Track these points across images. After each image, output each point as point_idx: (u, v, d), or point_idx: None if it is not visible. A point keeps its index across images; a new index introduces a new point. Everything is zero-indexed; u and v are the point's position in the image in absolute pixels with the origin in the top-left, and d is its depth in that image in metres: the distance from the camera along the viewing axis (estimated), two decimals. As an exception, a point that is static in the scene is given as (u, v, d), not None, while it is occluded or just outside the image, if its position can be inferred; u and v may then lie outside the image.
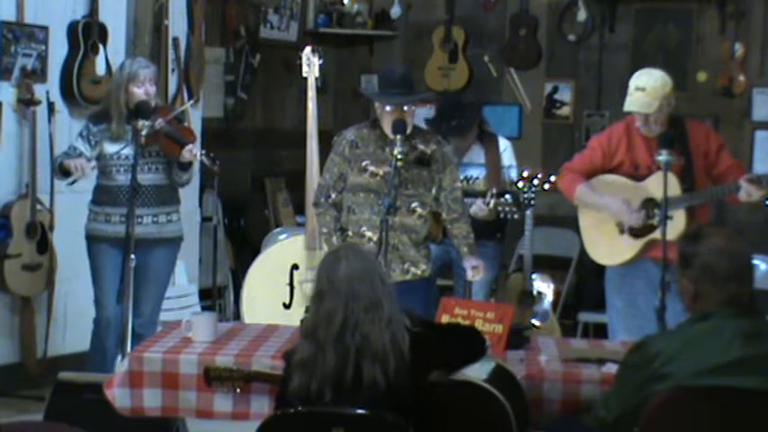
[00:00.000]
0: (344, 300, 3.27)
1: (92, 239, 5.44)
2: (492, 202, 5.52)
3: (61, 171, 5.29)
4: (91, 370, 5.28)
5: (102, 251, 5.39)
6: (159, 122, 5.23)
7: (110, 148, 5.33)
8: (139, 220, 5.25)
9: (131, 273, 4.95)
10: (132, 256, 4.94)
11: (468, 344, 3.57)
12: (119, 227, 5.26)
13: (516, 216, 5.55)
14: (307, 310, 4.12)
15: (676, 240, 3.85)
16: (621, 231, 4.99)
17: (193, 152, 5.32)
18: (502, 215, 5.56)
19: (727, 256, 3.09)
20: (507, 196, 5.56)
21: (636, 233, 4.97)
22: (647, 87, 4.83)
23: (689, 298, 3.16)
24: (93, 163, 5.30)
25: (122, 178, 5.31)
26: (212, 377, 3.81)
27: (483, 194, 5.62)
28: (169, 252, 5.53)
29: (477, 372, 3.41)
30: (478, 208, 5.52)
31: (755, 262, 3.83)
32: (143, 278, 5.25)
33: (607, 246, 5.05)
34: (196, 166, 5.89)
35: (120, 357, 5.32)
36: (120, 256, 5.25)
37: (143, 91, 5.29)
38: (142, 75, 5.31)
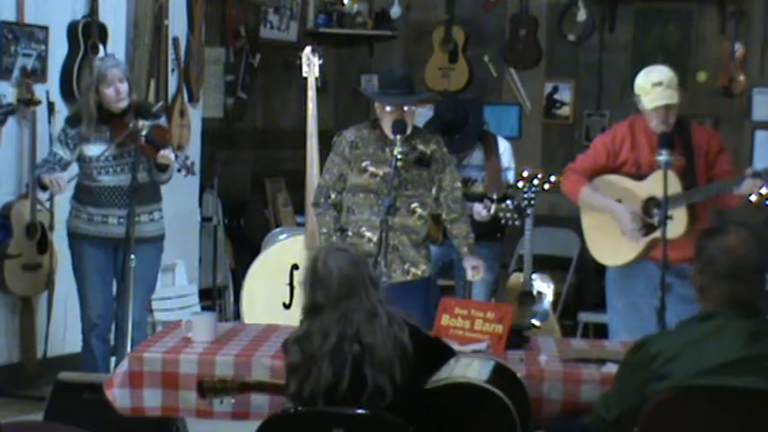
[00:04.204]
0: (342, 313, 3.28)
1: (74, 236, 5.44)
2: (493, 207, 5.49)
3: (39, 185, 5.31)
4: (84, 370, 5.28)
5: (84, 249, 5.39)
6: (132, 123, 5.19)
7: (88, 150, 5.30)
8: (121, 220, 5.25)
9: (131, 273, 4.96)
10: (132, 256, 4.95)
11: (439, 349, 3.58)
12: (101, 227, 5.33)
13: (516, 223, 5.52)
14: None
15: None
16: (624, 232, 4.98)
17: (168, 157, 5.24)
18: (503, 221, 5.52)
19: (731, 255, 3.09)
20: (508, 202, 5.52)
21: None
22: (663, 81, 4.82)
23: (696, 289, 3.18)
24: (67, 177, 5.28)
25: (104, 179, 5.31)
26: (206, 389, 3.75)
27: (482, 197, 5.59)
28: (152, 251, 5.44)
29: (478, 372, 3.40)
30: (477, 213, 5.48)
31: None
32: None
33: (610, 246, 5.04)
34: (197, 166, 5.89)
35: (113, 358, 5.35)
36: (101, 255, 5.33)
37: (113, 90, 5.24)
38: (110, 75, 5.24)
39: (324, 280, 3.31)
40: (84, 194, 5.37)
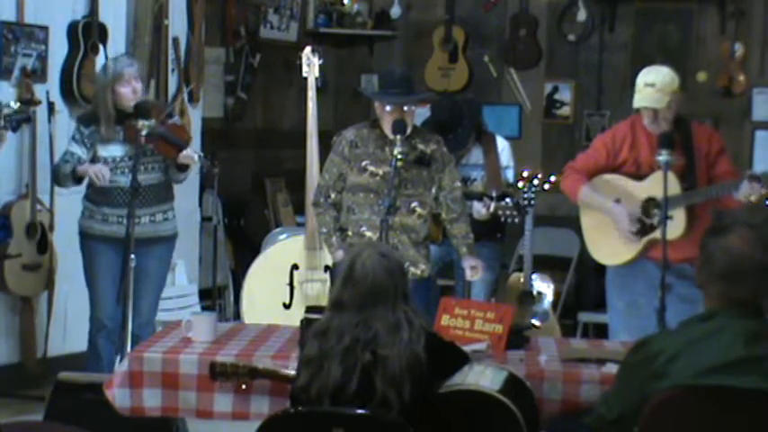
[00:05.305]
0: (363, 319, 3.26)
1: (86, 236, 5.40)
2: (492, 205, 5.49)
3: (74, 178, 5.26)
4: (88, 371, 5.27)
5: (96, 250, 5.36)
6: (152, 123, 5.18)
7: (102, 150, 5.28)
8: (137, 219, 5.22)
9: (131, 273, 4.96)
10: (132, 255, 4.94)
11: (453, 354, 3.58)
12: (115, 227, 5.28)
13: (516, 220, 5.52)
14: (307, 310, 4.13)
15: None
16: (620, 233, 4.98)
17: (191, 156, 5.26)
18: (502, 219, 5.53)
19: (728, 255, 3.08)
20: (507, 200, 5.52)
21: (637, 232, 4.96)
22: (656, 83, 4.83)
23: (698, 285, 3.18)
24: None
25: (120, 179, 5.27)
26: (217, 372, 3.79)
27: (481, 196, 5.59)
28: (165, 250, 5.48)
29: (491, 381, 3.39)
30: (476, 212, 5.49)
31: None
32: (140, 278, 5.16)
33: (609, 246, 5.04)
34: (196, 167, 5.88)
35: (118, 358, 5.34)
36: (114, 255, 5.26)
37: (129, 90, 5.23)
38: (126, 74, 5.23)
39: (356, 281, 3.29)
40: (99, 195, 5.32)
